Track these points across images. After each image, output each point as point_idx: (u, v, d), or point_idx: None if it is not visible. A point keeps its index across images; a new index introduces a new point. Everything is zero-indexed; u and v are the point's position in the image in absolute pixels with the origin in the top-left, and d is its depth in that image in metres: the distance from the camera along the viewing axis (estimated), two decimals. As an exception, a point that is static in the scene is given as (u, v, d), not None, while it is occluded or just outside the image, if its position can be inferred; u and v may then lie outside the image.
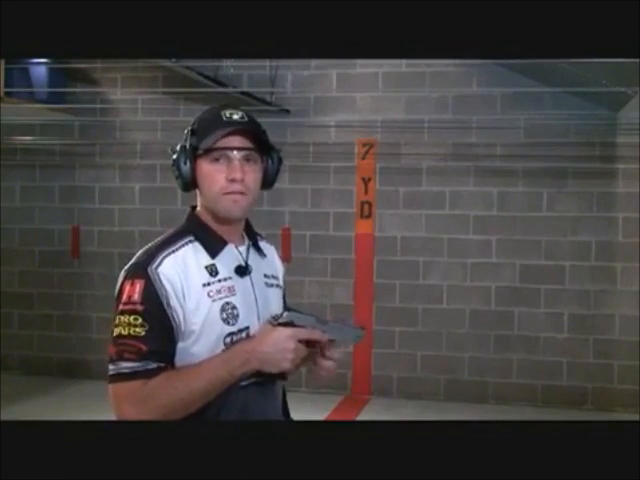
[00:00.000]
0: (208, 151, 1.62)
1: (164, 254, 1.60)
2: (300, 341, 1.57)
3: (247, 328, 1.64)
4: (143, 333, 1.54)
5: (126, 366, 1.54)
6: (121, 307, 1.56)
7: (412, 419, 5.30)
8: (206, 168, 1.63)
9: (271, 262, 1.80)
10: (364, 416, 5.65)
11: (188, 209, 1.75)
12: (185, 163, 1.64)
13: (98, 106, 6.49)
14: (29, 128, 6.56)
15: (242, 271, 1.67)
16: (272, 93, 6.08)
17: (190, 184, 1.66)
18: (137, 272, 1.58)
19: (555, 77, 5.47)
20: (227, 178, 1.61)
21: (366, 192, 6.21)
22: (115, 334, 1.56)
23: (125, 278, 1.60)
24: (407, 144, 6.12)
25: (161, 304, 1.56)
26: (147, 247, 1.65)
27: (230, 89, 5.88)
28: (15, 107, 5.63)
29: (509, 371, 6.02)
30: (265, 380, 1.64)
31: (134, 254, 1.64)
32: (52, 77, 6.08)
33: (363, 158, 6.20)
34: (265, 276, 1.74)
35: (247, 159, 1.64)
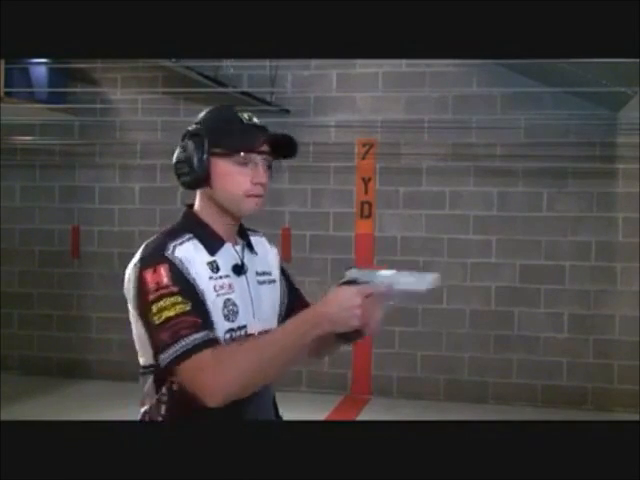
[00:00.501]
0: (230, 152, 1.63)
1: (173, 244, 1.61)
2: (369, 297, 1.55)
3: (245, 327, 1.65)
4: (189, 308, 1.54)
5: (190, 340, 1.52)
6: (153, 296, 1.54)
7: (412, 419, 5.30)
8: (229, 169, 1.64)
9: (263, 257, 1.81)
10: (364, 416, 5.65)
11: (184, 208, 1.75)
12: (201, 160, 1.63)
13: (98, 106, 6.49)
14: (29, 128, 6.56)
15: (239, 270, 1.69)
16: (272, 93, 6.08)
17: (202, 182, 1.65)
18: (156, 259, 1.58)
19: (555, 77, 5.47)
20: (252, 181, 1.65)
21: (366, 192, 6.21)
22: (161, 320, 1.53)
23: (142, 269, 1.57)
24: (407, 144, 6.12)
25: (190, 282, 1.57)
26: (151, 240, 1.65)
27: (230, 89, 5.88)
28: (15, 107, 5.63)
29: (509, 371, 6.02)
30: (262, 391, 1.65)
31: (134, 254, 1.64)
32: (52, 77, 6.08)
33: (363, 158, 6.20)
34: (257, 274, 1.75)
35: (268, 165, 1.69)
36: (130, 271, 1.61)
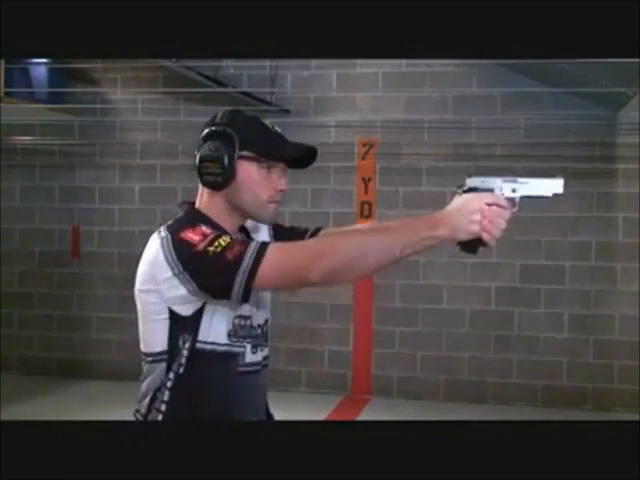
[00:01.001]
0: (260, 158, 1.66)
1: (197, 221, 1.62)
2: (490, 204, 1.54)
3: (250, 317, 1.68)
4: (240, 239, 1.61)
5: (256, 244, 1.54)
6: (204, 243, 1.53)
7: (412, 419, 5.30)
8: (256, 173, 1.67)
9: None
10: (364, 416, 5.65)
11: (181, 206, 1.74)
12: (232, 161, 1.64)
13: (98, 106, 6.49)
14: (29, 128, 6.56)
15: None
16: (272, 93, 6.08)
17: (229, 183, 1.66)
18: (190, 220, 1.61)
19: (555, 77, 5.47)
20: (276, 188, 1.69)
21: (366, 192, 6.21)
22: (223, 246, 1.52)
23: (179, 232, 1.57)
24: (407, 144, 6.12)
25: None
26: (170, 223, 1.65)
27: (230, 89, 5.88)
28: (15, 107, 5.63)
29: (509, 371, 6.02)
30: (257, 368, 1.68)
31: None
32: (52, 77, 6.07)
33: (363, 158, 6.20)
34: None
35: (285, 173, 1.73)
36: (157, 249, 1.59)
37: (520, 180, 1.58)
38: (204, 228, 1.57)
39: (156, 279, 1.58)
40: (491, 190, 1.56)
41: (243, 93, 5.94)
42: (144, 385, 1.66)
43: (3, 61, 5.18)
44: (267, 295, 1.78)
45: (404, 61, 6.06)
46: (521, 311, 6.00)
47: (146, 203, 6.45)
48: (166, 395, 1.62)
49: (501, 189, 1.57)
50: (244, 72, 6.18)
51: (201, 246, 1.53)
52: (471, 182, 1.57)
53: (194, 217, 1.66)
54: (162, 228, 1.64)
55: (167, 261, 1.56)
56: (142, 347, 1.68)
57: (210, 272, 1.54)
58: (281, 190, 1.70)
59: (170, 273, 1.56)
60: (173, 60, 5.06)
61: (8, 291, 6.69)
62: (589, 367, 5.90)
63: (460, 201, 1.56)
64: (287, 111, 6.17)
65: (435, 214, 1.56)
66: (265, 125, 1.70)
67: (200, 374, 1.61)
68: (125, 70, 6.41)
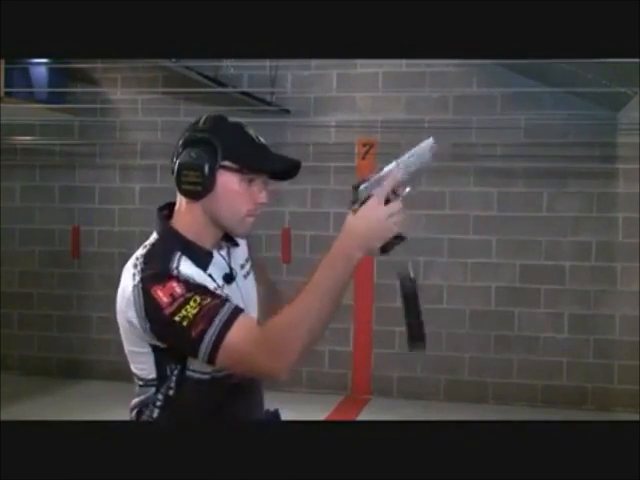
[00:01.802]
0: (242, 169, 1.59)
1: (175, 257, 1.56)
2: (387, 200, 1.50)
3: None
4: (210, 299, 1.50)
5: (223, 315, 1.47)
6: (171, 308, 1.47)
7: (412, 419, 5.30)
8: (237, 185, 1.59)
9: (242, 245, 1.77)
10: (364, 416, 5.65)
11: (159, 215, 1.69)
12: (212, 171, 1.56)
13: (98, 106, 6.49)
14: (29, 128, 6.56)
15: (229, 278, 1.67)
16: (272, 93, 6.08)
17: (208, 193, 1.59)
18: (162, 275, 1.52)
19: (555, 77, 5.47)
20: (257, 201, 1.62)
21: (366, 192, 6.20)
22: (189, 319, 1.46)
23: (149, 286, 1.50)
24: (407, 144, 6.10)
25: (201, 284, 1.54)
26: (145, 255, 1.58)
27: (230, 89, 5.88)
28: (15, 107, 5.63)
29: (509, 371, 6.02)
30: (249, 382, 1.65)
31: (134, 255, 1.62)
32: (52, 77, 6.07)
33: (363, 158, 6.19)
34: (241, 267, 1.74)
35: (266, 186, 1.66)
36: (130, 293, 1.53)
37: (399, 161, 1.55)
38: (175, 286, 1.49)
39: (130, 317, 1.54)
40: (380, 186, 1.51)
41: (243, 93, 5.94)
42: (135, 401, 1.64)
43: (3, 61, 5.17)
44: (254, 301, 1.73)
45: (404, 61, 6.06)
46: (521, 311, 6.00)
47: (146, 203, 6.44)
48: (155, 412, 1.60)
49: (391, 174, 1.52)
50: (244, 72, 6.18)
51: (168, 311, 1.47)
52: (362, 192, 1.52)
53: (171, 246, 1.59)
54: (138, 266, 1.56)
55: (137, 313, 1.52)
56: (132, 369, 1.64)
57: (175, 340, 1.51)
58: (261, 203, 1.62)
59: (142, 324, 1.53)
60: (173, 60, 5.06)
61: (8, 291, 6.68)
62: (589, 367, 5.90)
63: (362, 219, 1.49)
64: (287, 111, 6.16)
65: (341, 243, 1.48)
66: (249, 134, 1.62)
67: (190, 397, 1.59)
68: (125, 70, 6.41)
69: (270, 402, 1.81)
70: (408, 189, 1.56)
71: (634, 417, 5.20)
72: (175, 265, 1.55)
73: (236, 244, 1.74)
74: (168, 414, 1.60)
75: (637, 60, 2.42)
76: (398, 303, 1.62)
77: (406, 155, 1.58)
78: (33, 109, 5.95)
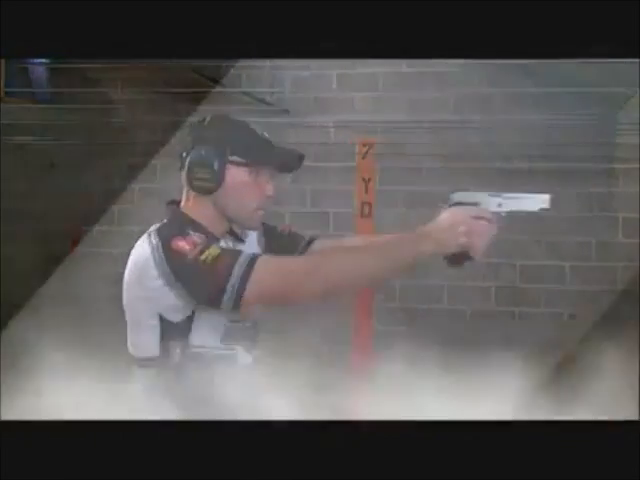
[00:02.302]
0: (249, 164, 1.65)
1: (188, 230, 1.61)
2: (476, 218, 1.55)
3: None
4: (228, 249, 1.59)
5: (246, 254, 1.54)
6: (195, 252, 1.54)
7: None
8: (245, 180, 1.66)
9: (251, 242, 1.80)
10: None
11: (169, 207, 1.75)
12: (222, 167, 1.63)
13: (98, 106, 6.48)
14: (29, 128, 6.55)
15: None
16: (272, 93, 6.07)
17: (219, 188, 1.65)
18: (179, 226, 1.61)
19: (555, 77, 5.46)
20: (264, 194, 1.69)
21: (366, 192, 6.20)
22: (214, 256, 1.53)
23: (171, 238, 1.57)
24: (407, 144, 6.11)
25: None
26: (159, 227, 1.66)
27: (230, 89, 5.88)
28: (15, 107, 5.62)
29: (509, 371, 6.01)
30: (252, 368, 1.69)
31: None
32: (52, 77, 6.07)
33: (363, 158, 6.19)
34: None
35: (273, 179, 1.72)
36: (147, 258, 1.59)
37: (505, 195, 1.58)
38: (195, 237, 1.57)
39: (146, 286, 1.58)
40: (476, 204, 1.56)
41: (243, 93, 5.94)
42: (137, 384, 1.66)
43: (3, 61, 5.17)
44: None
45: (404, 61, 6.06)
46: (521, 311, 5.99)
47: (146, 203, 6.44)
48: (157, 389, 1.62)
49: (487, 204, 1.56)
50: (244, 72, 6.18)
51: (192, 255, 1.53)
52: (456, 197, 1.60)
53: (183, 222, 1.66)
54: (152, 232, 1.64)
55: (158, 270, 1.56)
56: (131, 350, 1.67)
57: (201, 282, 1.54)
58: (271, 197, 1.70)
59: (161, 282, 1.56)
60: (173, 60, 5.05)
61: None
62: (589, 367, 5.89)
63: (445, 215, 1.58)
64: (287, 111, 6.16)
65: (421, 229, 1.57)
66: (254, 130, 1.70)
67: (192, 377, 1.60)
68: (125, 70, 6.40)
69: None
70: (500, 225, 1.60)
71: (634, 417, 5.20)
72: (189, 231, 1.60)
73: (241, 241, 1.76)
74: (171, 390, 1.60)
75: (637, 60, 2.42)
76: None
77: (517, 194, 1.60)
78: (33, 109, 5.94)
